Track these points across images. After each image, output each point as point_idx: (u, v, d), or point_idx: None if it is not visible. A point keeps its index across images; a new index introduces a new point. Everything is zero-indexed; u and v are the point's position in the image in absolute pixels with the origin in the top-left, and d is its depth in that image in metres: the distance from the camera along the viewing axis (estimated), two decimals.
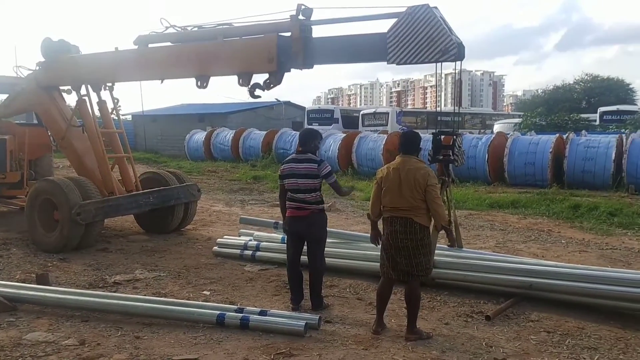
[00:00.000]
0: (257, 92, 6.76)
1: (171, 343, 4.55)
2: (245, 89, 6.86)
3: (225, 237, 8.12)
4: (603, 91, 46.80)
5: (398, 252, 4.60)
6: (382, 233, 4.85)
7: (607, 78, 50.24)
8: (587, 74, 51.62)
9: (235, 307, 5.14)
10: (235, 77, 6.91)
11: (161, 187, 8.82)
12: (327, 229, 5.60)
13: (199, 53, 7.05)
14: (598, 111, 29.64)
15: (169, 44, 7.48)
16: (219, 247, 7.76)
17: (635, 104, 38.33)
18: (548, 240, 8.84)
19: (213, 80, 7.17)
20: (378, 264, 4.89)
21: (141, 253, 7.85)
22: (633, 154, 14.58)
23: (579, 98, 48.25)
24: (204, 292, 6.02)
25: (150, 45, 7.58)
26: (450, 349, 4.39)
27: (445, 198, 6.08)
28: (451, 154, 6.00)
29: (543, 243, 8.65)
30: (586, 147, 15.54)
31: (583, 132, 18.75)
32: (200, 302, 5.44)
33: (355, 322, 5.04)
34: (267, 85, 6.68)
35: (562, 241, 8.77)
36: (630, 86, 50.37)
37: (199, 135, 27.42)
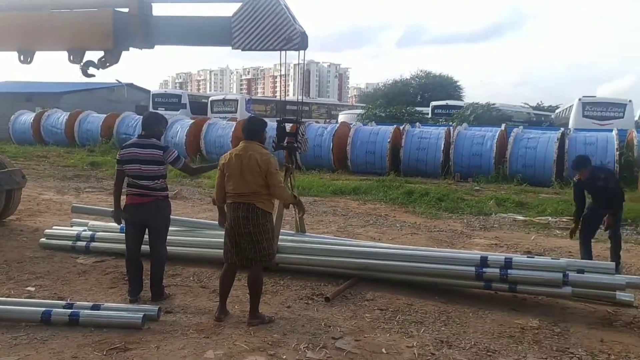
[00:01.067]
0: (91, 70, 6.30)
1: None
2: (77, 67, 6.35)
3: (54, 227, 7.43)
4: (435, 87, 50.99)
5: (241, 237, 4.58)
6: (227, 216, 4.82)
7: (439, 75, 54.88)
8: (421, 71, 55.89)
9: (63, 302, 4.74)
10: (65, 53, 6.35)
11: None
12: (171, 217, 5.40)
13: (21, 24, 6.35)
14: (430, 105, 32.27)
15: None
16: (47, 238, 7.08)
17: (462, 100, 42.31)
18: (385, 224, 9.45)
19: (43, 55, 6.52)
20: (221, 250, 4.82)
21: None
22: (459, 145, 16.18)
23: (415, 92, 52.05)
24: (28, 288, 5.47)
25: None
26: (291, 331, 4.49)
27: (289, 185, 6.20)
28: (295, 142, 6.11)
29: (380, 227, 9.23)
30: (420, 138, 16.89)
31: (417, 124, 20.28)
32: (23, 299, 4.94)
33: (197, 311, 4.93)
34: (102, 64, 6.25)
35: (397, 225, 9.44)
36: (458, 83, 55.55)
37: (27, 117, 24.88)
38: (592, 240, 6.74)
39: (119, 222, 5.37)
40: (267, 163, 4.55)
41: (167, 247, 5.41)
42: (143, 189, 5.07)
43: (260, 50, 5.87)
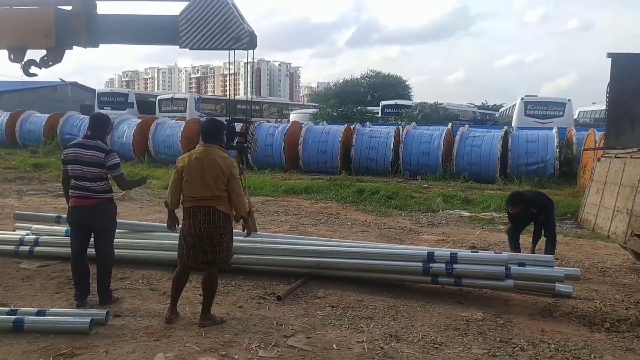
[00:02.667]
0: (33, 69, 6.11)
1: None
2: (18, 66, 6.16)
3: None
4: (385, 86, 51.87)
5: (201, 241, 4.50)
6: (180, 221, 4.76)
7: (388, 75, 55.81)
8: (371, 70, 56.75)
9: (7, 309, 4.59)
10: (5, 52, 6.14)
11: None
12: (119, 220, 5.30)
13: None
14: (380, 104, 32.77)
15: None
16: None
17: (411, 99, 43.18)
18: (336, 223, 9.56)
19: None
20: (172, 252, 4.77)
21: None
22: (408, 144, 16.52)
23: (365, 92, 52.79)
24: None
25: None
26: (243, 330, 4.51)
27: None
28: (245, 142, 6.12)
29: (331, 225, 9.33)
30: (370, 137, 17.15)
31: (368, 123, 20.59)
32: None
33: (147, 314, 4.87)
34: (44, 63, 6.08)
35: (348, 223, 9.57)
36: (407, 83, 56.70)
37: None
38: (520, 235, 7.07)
39: None
40: (230, 167, 4.49)
41: (115, 250, 5.31)
42: (85, 190, 4.96)
43: (208, 49, 5.84)
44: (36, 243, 6.61)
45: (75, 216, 5.05)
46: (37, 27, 5.90)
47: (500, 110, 37.12)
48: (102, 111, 25.51)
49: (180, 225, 4.76)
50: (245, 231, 4.97)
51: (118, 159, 5.11)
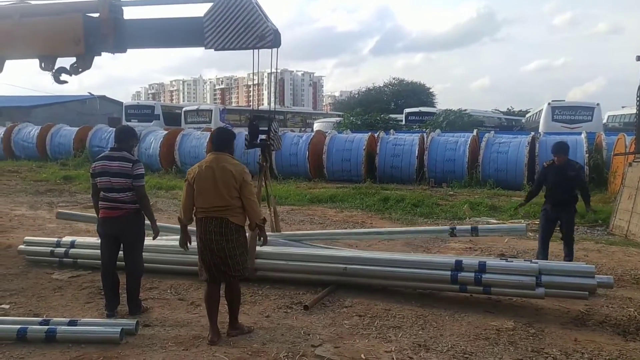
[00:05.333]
0: (64, 77, 6.25)
1: None
2: (50, 78, 6.35)
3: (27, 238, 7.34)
4: (408, 94, 51.76)
5: (213, 254, 4.42)
6: (192, 240, 4.65)
7: (412, 82, 55.67)
8: (394, 78, 56.70)
9: (39, 319, 4.68)
10: (36, 61, 6.31)
11: None
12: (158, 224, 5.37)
13: None
14: (404, 112, 32.64)
15: None
16: (26, 245, 7.05)
17: (435, 106, 42.96)
18: None
19: (14, 70, 6.46)
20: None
21: None
22: (433, 151, 16.39)
23: (388, 100, 52.74)
24: (3, 305, 5.38)
25: None
26: (270, 340, 4.51)
27: (263, 182, 6.19)
28: (268, 139, 6.11)
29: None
30: (394, 145, 17.07)
31: (392, 131, 20.51)
32: None
33: (176, 324, 4.91)
34: (74, 70, 6.21)
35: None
36: (431, 90, 56.46)
37: None
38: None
39: None
40: (242, 173, 4.42)
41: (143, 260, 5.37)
42: (113, 202, 5.05)
43: (233, 49, 5.86)
44: (72, 245, 6.80)
45: (105, 227, 5.13)
46: (67, 35, 6.03)
47: (527, 116, 36.61)
48: (129, 123, 26.00)
49: (191, 244, 4.67)
50: (262, 239, 4.73)
51: (143, 170, 5.17)
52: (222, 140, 4.64)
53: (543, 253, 6.77)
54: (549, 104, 23.94)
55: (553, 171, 6.76)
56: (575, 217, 7.02)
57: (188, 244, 4.70)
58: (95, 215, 5.30)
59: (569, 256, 6.64)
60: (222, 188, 4.37)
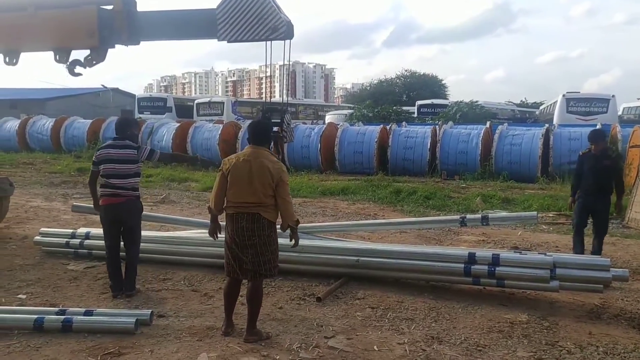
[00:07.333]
0: (78, 69, 6.32)
1: None
2: (64, 71, 6.40)
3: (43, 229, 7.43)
4: (420, 86, 51.47)
5: (245, 250, 4.25)
6: (222, 229, 4.53)
7: (424, 74, 55.36)
8: (406, 70, 56.43)
9: (56, 309, 4.74)
10: (51, 54, 6.35)
11: None
12: (165, 215, 5.56)
13: (6, 26, 6.35)
14: (416, 104, 32.46)
15: None
16: (41, 236, 7.15)
17: (447, 98, 42.65)
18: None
19: (28, 63, 6.53)
20: (209, 259, 4.73)
21: None
22: (445, 143, 16.31)
23: (400, 92, 52.49)
24: (19, 295, 5.45)
25: None
26: (283, 331, 4.52)
27: None
28: (281, 131, 6.11)
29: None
30: (406, 137, 17.00)
31: (404, 123, 20.40)
32: (14, 307, 4.93)
33: (190, 314, 4.95)
34: (88, 62, 6.27)
35: None
36: (443, 82, 56.10)
37: (12, 124, 24.70)
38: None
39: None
40: (280, 172, 4.24)
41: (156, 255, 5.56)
42: (116, 188, 5.29)
43: (246, 40, 5.87)
44: (87, 236, 6.90)
45: (108, 213, 5.39)
46: (81, 28, 6.08)
47: (541, 107, 36.25)
48: (142, 116, 26.15)
49: (221, 234, 4.55)
50: (293, 241, 4.49)
51: (149, 147, 5.53)
52: (259, 134, 4.44)
53: (579, 244, 6.65)
54: (563, 95, 23.69)
55: (588, 160, 6.66)
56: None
57: (217, 234, 4.56)
58: (93, 200, 5.61)
59: (597, 251, 6.47)
60: (257, 184, 4.21)
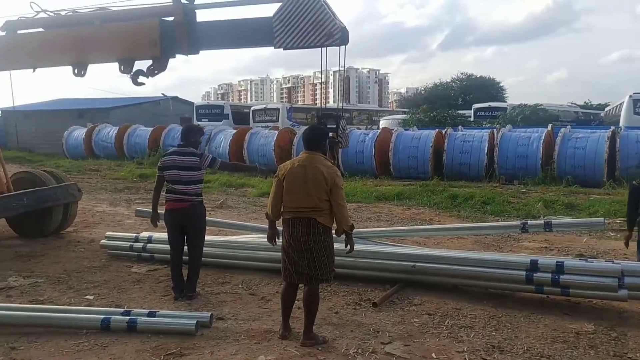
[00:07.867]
0: (141, 79, 6.57)
1: (51, 352, 4.27)
2: (128, 81, 6.65)
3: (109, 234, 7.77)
4: (477, 89, 50.33)
5: (301, 255, 4.30)
6: (280, 235, 4.58)
7: (480, 77, 54.17)
8: (462, 73, 55.35)
9: (121, 310, 4.93)
10: (116, 65, 6.63)
11: (36, 188, 8.20)
12: (224, 220, 5.67)
13: (75, 39, 6.69)
14: (472, 108, 31.79)
15: (40, 30, 6.99)
16: (107, 240, 7.48)
17: (505, 101, 41.55)
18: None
19: (95, 76, 6.84)
20: (266, 264, 4.75)
21: (15, 259, 7.27)
22: (503, 147, 15.86)
23: (456, 95, 51.55)
24: (87, 296, 5.71)
25: (19, 32, 7.03)
26: (340, 336, 4.53)
27: None
28: (336, 137, 6.13)
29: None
30: (462, 141, 16.65)
31: (460, 127, 20.02)
32: (83, 307, 5.17)
33: (248, 318, 5.03)
34: (150, 72, 6.51)
35: None
36: (501, 84, 54.67)
37: (79, 132, 25.91)
38: None
39: (155, 225, 5.90)
40: (334, 176, 4.27)
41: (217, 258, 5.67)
42: (180, 194, 5.45)
43: (302, 47, 5.92)
44: (149, 240, 7.14)
45: (172, 217, 5.55)
46: (145, 39, 6.32)
47: (606, 109, 34.75)
48: (200, 123, 26.80)
49: (280, 239, 4.60)
50: (348, 247, 4.50)
51: (211, 155, 5.70)
52: (315, 139, 4.49)
53: None
54: (630, 96, 22.59)
55: None
56: None
57: (275, 240, 4.63)
58: (152, 206, 5.84)
59: None
60: (311, 189, 4.25)
